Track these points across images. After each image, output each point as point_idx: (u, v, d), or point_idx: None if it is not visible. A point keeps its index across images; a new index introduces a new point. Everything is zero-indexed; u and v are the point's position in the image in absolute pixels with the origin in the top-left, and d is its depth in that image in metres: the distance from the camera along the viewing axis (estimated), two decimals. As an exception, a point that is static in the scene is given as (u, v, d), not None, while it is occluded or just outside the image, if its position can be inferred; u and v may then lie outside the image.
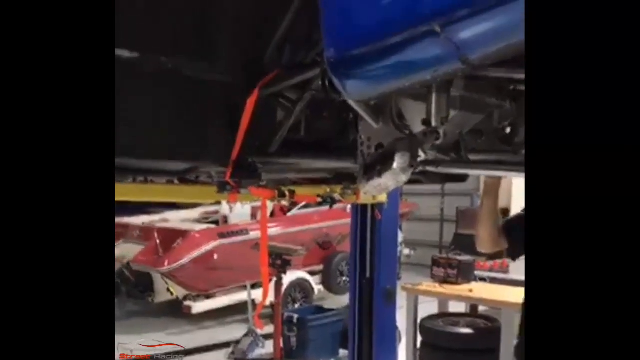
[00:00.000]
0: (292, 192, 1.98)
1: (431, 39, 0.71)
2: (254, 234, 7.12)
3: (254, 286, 6.28)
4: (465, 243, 9.32)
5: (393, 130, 1.41)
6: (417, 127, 1.37)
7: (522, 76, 1.42)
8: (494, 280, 5.55)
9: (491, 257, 6.77)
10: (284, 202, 2.04)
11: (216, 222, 7.77)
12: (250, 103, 1.72)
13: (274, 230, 7.19)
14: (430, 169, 1.39)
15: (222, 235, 6.89)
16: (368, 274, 3.57)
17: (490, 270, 6.27)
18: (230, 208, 7.39)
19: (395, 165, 1.25)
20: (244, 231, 7.01)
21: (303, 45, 1.76)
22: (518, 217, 2.38)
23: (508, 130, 1.73)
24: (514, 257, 2.46)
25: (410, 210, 10.05)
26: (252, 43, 1.74)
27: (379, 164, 1.30)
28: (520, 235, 2.27)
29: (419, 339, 4.33)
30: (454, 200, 11.60)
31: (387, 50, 0.76)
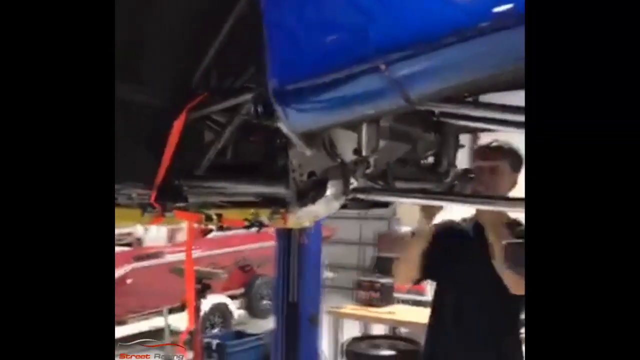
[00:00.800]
0: (219, 216, 1.94)
1: (375, 76, 0.72)
2: (171, 257, 6.91)
3: (170, 311, 6.07)
4: (385, 265, 9.53)
5: (325, 158, 1.42)
6: (348, 156, 1.39)
7: (445, 109, 1.48)
8: (415, 303, 5.70)
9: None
10: (211, 226, 1.99)
11: (130, 245, 7.47)
12: (177, 125, 1.68)
13: (193, 253, 6.99)
14: (360, 196, 1.41)
15: (136, 259, 6.63)
16: (293, 298, 3.54)
17: (408, 292, 6.44)
18: (145, 230, 7.15)
19: (328, 192, 1.26)
20: (160, 254, 6.79)
21: (231, 71, 1.76)
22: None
23: (431, 160, 1.80)
24: (417, 282, 2.54)
25: (330, 233, 10.14)
26: (180, 66, 1.71)
27: (312, 191, 1.30)
28: (425, 265, 2.33)
29: (341, 362, 4.34)
30: (371, 224, 11.82)
31: (331, 84, 0.76)
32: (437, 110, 1.53)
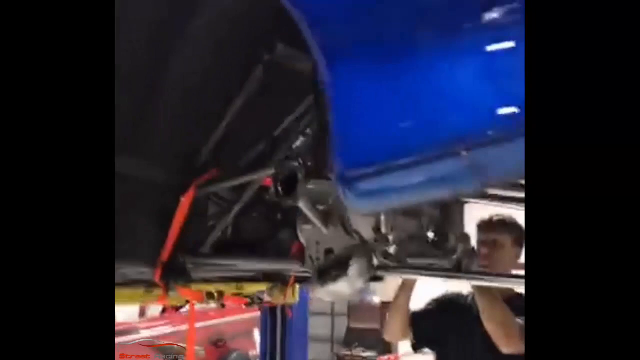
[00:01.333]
0: (221, 293, 1.91)
1: (455, 161, 0.75)
2: (145, 333, 6.65)
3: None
4: (358, 336, 9.34)
5: (341, 236, 1.43)
6: (365, 233, 1.40)
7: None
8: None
9: (384, 350, 6.83)
10: (214, 304, 1.95)
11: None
12: (185, 201, 1.67)
13: (165, 328, 6.76)
14: (380, 274, 1.42)
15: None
16: (279, 376, 3.44)
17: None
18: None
19: (351, 271, 1.26)
20: (134, 330, 6.52)
21: (242, 147, 1.78)
22: (423, 311, 2.46)
23: (431, 234, 1.82)
24: (417, 351, 2.52)
25: (304, 305, 9.95)
26: (188, 142, 1.73)
27: (334, 270, 1.30)
28: (423, 330, 2.37)
29: None
30: (344, 294, 11.67)
31: (406, 168, 0.78)
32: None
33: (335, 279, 1.28)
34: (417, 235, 1.72)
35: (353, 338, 9.30)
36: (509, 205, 1.51)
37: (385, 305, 2.31)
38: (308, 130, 1.61)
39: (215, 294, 1.86)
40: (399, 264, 1.48)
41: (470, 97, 0.73)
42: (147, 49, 1.51)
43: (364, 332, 9.64)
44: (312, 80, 1.58)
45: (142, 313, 7.28)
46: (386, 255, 1.42)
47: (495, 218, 2.22)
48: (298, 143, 1.63)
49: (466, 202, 1.76)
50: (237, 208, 1.70)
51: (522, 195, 1.46)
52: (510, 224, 2.17)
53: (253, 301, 2.00)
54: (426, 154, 0.75)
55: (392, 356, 7.48)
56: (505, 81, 0.71)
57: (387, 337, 2.43)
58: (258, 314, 7.38)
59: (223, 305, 1.87)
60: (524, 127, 0.68)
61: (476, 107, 0.72)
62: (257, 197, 1.84)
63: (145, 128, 1.62)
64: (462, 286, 2.37)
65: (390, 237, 1.35)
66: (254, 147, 1.75)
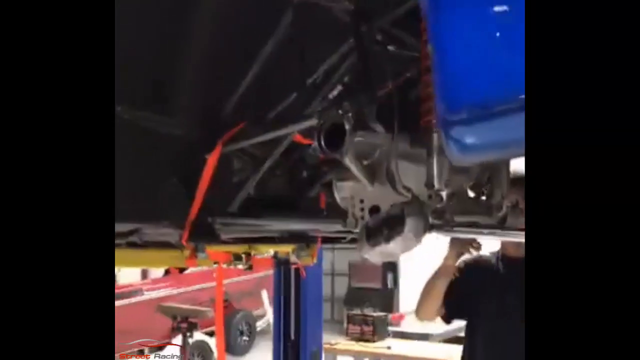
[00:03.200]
0: (248, 255, 1.83)
1: None
2: (149, 295, 6.66)
3: (152, 351, 5.80)
4: (359, 296, 9.39)
5: (388, 193, 1.33)
6: (418, 190, 1.30)
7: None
8: (398, 335, 5.58)
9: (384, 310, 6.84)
10: (241, 266, 1.87)
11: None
12: (212, 160, 1.57)
13: (169, 290, 6.77)
14: (436, 233, 1.32)
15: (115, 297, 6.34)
16: (293, 337, 3.40)
17: (391, 324, 6.32)
18: (118, 268, 6.88)
19: (406, 229, 1.17)
20: (138, 291, 6.52)
21: (271, 99, 1.66)
22: (451, 283, 2.39)
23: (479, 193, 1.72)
24: (448, 322, 2.47)
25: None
26: (212, 96, 1.61)
27: (385, 229, 1.20)
28: (453, 302, 2.29)
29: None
30: (344, 254, 11.72)
31: (511, 115, 0.67)
32: None
33: (388, 238, 1.19)
34: (460, 190, 1.62)
35: (354, 297, 9.37)
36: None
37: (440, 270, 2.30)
38: (346, 79, 1.50)
39: (243, 256, 1.77)
40: (448, 222, 1.39)
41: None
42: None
43: (366, 291, 9.69)
44: (352, 23, 1.46)
45: (145, 275, 7.27)
46: (439, 213, 1.32)
47: None
48: (335, 92, 1.51)
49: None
50: (267, 164, 1.59)
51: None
52: None
53: (280, 262, 1.92)
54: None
55: (396, 314, 7.55)
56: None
57: (420, 316, 2.38)
58: (263, 274, 7.43)
59: (250, 267, 1.79)
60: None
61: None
62: (283, 154, 1.74)
63: (171, 83, 1.52)
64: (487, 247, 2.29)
65: (444, 194, 1.25)
66: (284, 99, 1.63)
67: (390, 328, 5.58)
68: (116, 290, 6.52)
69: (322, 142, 1.24)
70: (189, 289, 7.06)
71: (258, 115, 1.64)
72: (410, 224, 1.17)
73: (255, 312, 8.05)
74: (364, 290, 9.85)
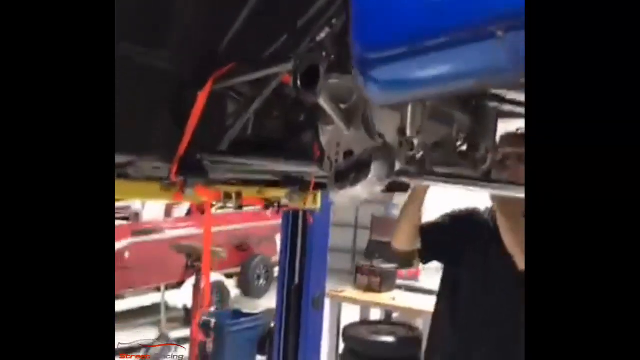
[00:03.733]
0: (239, 195, 1.87)
1: (490, 44, 0.63)
2: (170, 233, 6.84)
3: (167, 288, 6.02)
4: (379, 249, 9.49)
5: (363, 138, 1.34)
6: (389, 136, 1.31)
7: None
8: (409, 289, 5.65)
9: (404, 264, 6.92)
10: (230, 205, 1.91)
11: (127, 219, 7.39)
12: (202, 96, 1.59)
13: (190, 230, 6.94)
14: (402, 179, 1.33)
15: (135, 233, 6.55)
16: (297, 281, 3.48)
17: (404, 278, 6.40)
18: (143, 204, 7.06)
19: (372, 174, 1.18)
20: (158, 229, 6.71)
21: (261, 38, 1.66)
22: (434, 222, 2.40)
23: (465, 145, 1.71)
24: (425, 261, 2.49)
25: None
26: (207, 33, 1.62)
27: (352, 172, 1.22)
28: (432, 240, 2.31)
29: (341, 346, 4.31)
30: (367, 208, 11.77)
31: (434, 51, 0.67)
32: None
33: (353, 182, 1.20)
34: (446, 142, 1.62)
35: (374, 250, 9.46)
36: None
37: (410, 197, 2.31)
38: (334, 21, 1.49)
39: (233, 194, 1.81)
40: (422, 170, 1.39)
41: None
42: None
43: (386, 245, 9.75)
44: None
45: (168, 213, 7.44)
46: (410, 160, 1.33)
47: (521, 130, 2.09)
48: (323, 35, 1.50)
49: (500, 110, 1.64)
50: (256, 104, 1.61)
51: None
52: None
53: (272, 204, 1.95)
54: (457, 34, 0.64)
55: (413, 270, 7.59)
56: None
57: (394, 244, 2.38)
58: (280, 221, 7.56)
59: (240, 207, 1.82)
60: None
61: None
62: (279, 95, 1.75)
63: (165, 18, 1.53)
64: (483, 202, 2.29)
65: (416, 141, 1.25)
66: (275, 39, 1.63)
67: (402, 282, 5.66)
68: (138, 227, 6.73)
69: (298, 83, 1.25)
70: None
71: (250, 55, 1.65)
72: (375, 168, 1.18)
73: (273, 259, 8.22)
74: (384, 243, 9.92)
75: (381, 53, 0.72)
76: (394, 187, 2.29)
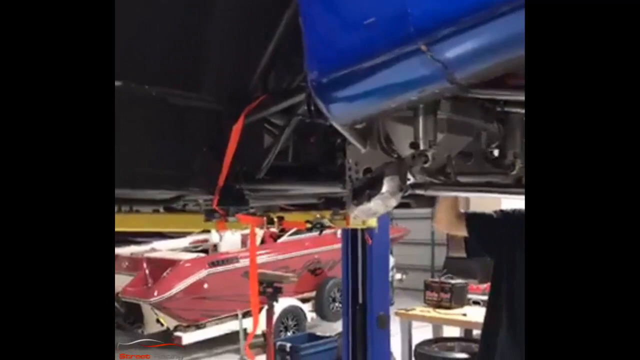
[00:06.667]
0: (281, 219, 1.96)
1: (417, 58, 0.69)
2: (245, 262, 7.04)
3: (245, 315, 6.19)
4: (457, 266, 9.29)
5: (381, 154, 1.40)
6: (405, 151, 1.36)
7: (508, 97, 1.43)
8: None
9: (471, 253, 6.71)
10: (273, 229, 2.00)
11: (206, 251, 7.68)
12: (236, 130, 1.70)
13: (264, 257, 7.13)
14: (419, 192, 1.37)
15: (212, 264, 6.81)
16: (360, 300, 3.52)
17: (484, 293, 6.23)
18: (220, 236, 7.34)
19: (384, 189, 1.23)
20: (234, 259, 6.94)
21: (288, 71, 1.76)
22: (483, 213, 2.35)
23: (496, 152, 1.73)
24: (469, 255, 2.45)
25: (400, 234, 10.02)
26: (237, 70, 1.74)
27: (367, 189, 1.27)
28: (478, 235, 2.28)
29: (414, 365, 4.27)
30: (444, 224, 11.57)
31: (371, 71, 0.74)
32: (500, 99, 1.47)
33: (369, 198, 1.26)
34: (474, 152, 1.64)
35: (452, 267, 9.27)
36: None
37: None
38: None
39: (275, 219, 1.90)
40: (444, 180, 1.43)
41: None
42: None
43: (463, 260, 9.54)
44: None
45: (244, 243, 7.66)
46: (431, 172, 1.37)
47: None
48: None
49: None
50: (286, 132, 1.70)
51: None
52: None
53: (314, 226, 2.03)
54: (388, 54, 0.70)
55: (488, 285, 7.36)
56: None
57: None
58: (352, 243, 7.62)
59: (283, 230, 1.91)
60: (496, 12, 0.61)
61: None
62: (313, 121, 1.84)
63: (198, 64, 1.66)
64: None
65: (429, 153, 1.29)
66: (300, 71, 1.73)
67: (475, 296, 5.52)
68: (214, 259, 6.99)
69: (311, 107, 1.34)
70: (282, 257, 7.38)
71: (277, 88, 1.75)
72: (387, 184, 1.23)
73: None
74: (462, 260, 9.70)
75: (330, 76, 0.79)
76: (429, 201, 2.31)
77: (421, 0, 0.68)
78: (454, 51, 0.67)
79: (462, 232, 2.31)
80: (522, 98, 1.45)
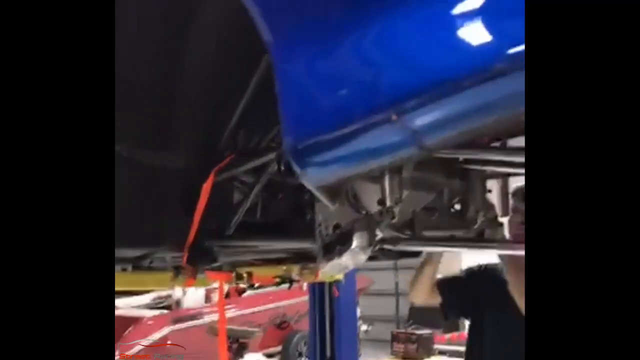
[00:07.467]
0: (250, 274, 1.97)
1: (388, 127, 0.75)
2: (209, 318, 6.91)
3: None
4: (422, 315, 9.30)
5: (349, 211, 1.44)
6: (373, 207, 1.41)
7: (467, 155, 1.51)
8: (454, 354, 5.52)
9: (449, 328, 6.77)
10: (242, 285, 2.01)
11: (169, 307, 7.50)
12: (206, 188, 1.73)
13: (229, 312, 6.99)
14: (387, 247, 1.42)
15: (175, 321, 6.65)
16: (329, 354, 3.50)
17: (449, 343, 6.24)
18: (184, 292, 7.20)
19: (354, 244, 1.28)
20: (198, 315, 6.79)
21: (257, 131, 1.82)
22: (453, 278, 2.45)
23: (458, 207, 1.80)
24: (447, 318, 2.51)
25: (366, 285, 10.01)
26: (207, 130, 1.78)
27: (338, 244, 1.32)
28: (449, 300, 2.37)
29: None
30: (407, 274, 11.62)
31: (344, 138, 0.80)
32: (460, 157, 1.55)
33: (340, 253, 1.30)
34: (438, 207, 1.71)
35: (416, 316, 9.27)
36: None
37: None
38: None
39: (245, 275, 1.91)
40: (411, 235, 1.48)
41: (407, 57, 0.73)
42: (162, 44, 1.58)
43: (428, 310, 9.53)
44: None
45: (208, 299, 7.53)
46: (398, 228, 1.42)
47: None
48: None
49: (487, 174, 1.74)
50: (255, 190, 1.74)
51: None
52: None
53: (283, 280, 2.05)
54: (359, 122, 0.76)
55: (456, 333, 7.39)
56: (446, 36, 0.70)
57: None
58: (318, 295, 7.58)
59: (252, 286, 1.92)
60: (462, 85, 0.67)
61: (412, 67, 0.72)
62: (282, 179, 1.88)
63: (168, 124, 1.70)
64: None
65: (396, 210, 1.35)
66: (270, 129, 1.78)
67: (441, 346, 5.54)
68: (178, 315, 6.83)
69: (281, 167, 1.39)
70: (247, 311, 7.27)
71: (247, 146, 1.80)
72: (357, 239, 1.28)
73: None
74: (427, 310, 9.69)
75: (305, 142, 0.84)
76: (404, 254, 2.38)
77: (391, 72, 0.74)
78: (422, 120, 0.74)
79: (438, 300, 2.41)
80: (481, 156, 1.54)
